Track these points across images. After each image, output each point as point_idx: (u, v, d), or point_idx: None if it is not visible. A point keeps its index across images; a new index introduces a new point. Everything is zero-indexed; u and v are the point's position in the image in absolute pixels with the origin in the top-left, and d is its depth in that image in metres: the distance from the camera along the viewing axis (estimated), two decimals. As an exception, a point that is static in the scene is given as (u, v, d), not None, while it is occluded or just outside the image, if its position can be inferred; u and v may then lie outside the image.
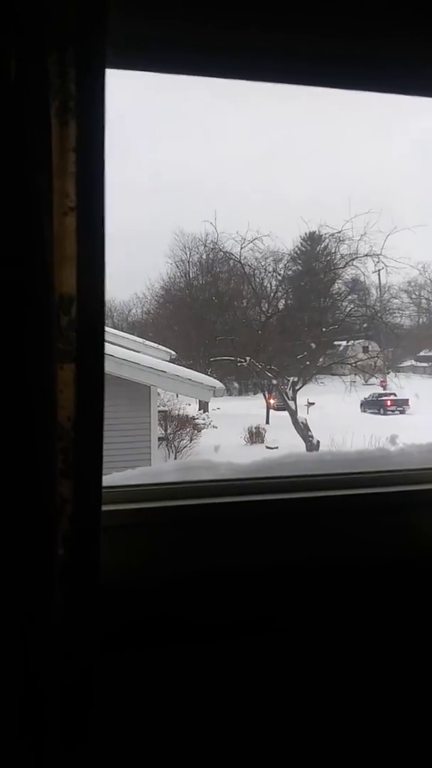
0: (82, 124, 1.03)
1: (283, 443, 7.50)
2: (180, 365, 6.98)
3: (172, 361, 7.28)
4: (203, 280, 8.40)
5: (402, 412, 7.82)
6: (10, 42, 0.97)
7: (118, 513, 1.28)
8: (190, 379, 6.28)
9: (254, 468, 1.50)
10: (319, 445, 7.33)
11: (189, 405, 8.46)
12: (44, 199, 0.99)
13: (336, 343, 8.23)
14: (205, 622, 1.33)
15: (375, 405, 7.98)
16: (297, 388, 7.79)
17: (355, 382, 8.14)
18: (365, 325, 8.15)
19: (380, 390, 8.06)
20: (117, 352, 5.90)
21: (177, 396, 7.93)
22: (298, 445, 7.36)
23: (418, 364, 8.86)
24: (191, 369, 6.84)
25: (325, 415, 7.97)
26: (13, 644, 1.00)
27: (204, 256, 8.04)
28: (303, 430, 7.43)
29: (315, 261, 8.23)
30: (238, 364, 7.88)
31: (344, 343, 8.23)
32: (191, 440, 7.80)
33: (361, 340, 8.22)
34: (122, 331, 7.81)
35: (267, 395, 8.46)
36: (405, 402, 7.76)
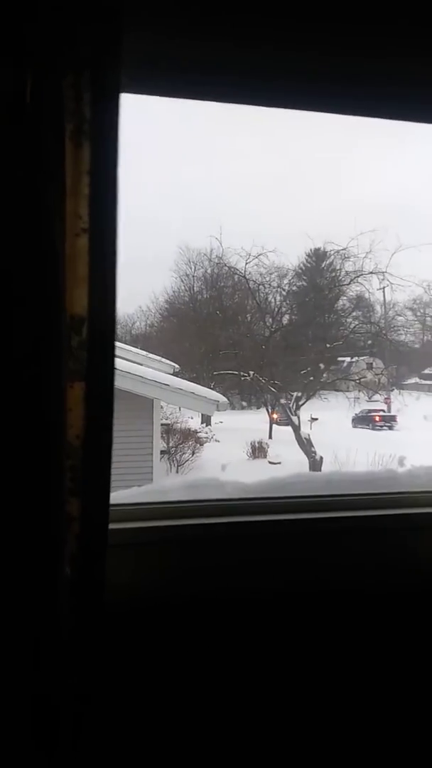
0: (96, 147, 1.04)
1: (285, 458, 7.47)
2: (183, 379, 6.99)
3: (175, 374, 7.29)
4: (207, 294, 8.45)
5: (390, 428, 7.99)
6: (25, 65, 0.99)
7: (124, 531, 1.27)
8: (193, 393, 6.28)
9: (262, 488, 1.50)
10: (322, 461, 7.31)
11: (192, 418, 8.45)
12: (57, 221, 1.00)
13: (340, 359, 8.24)
14: (210, 643, 1.31)
15: (365, 421, 8.12)
16: (300, 403, 7.79)
17: (358, 398, 8.14)
18: (369, 341, 8.17)
19: (374, 406, 8.13)
20: (120, 364, 5.89)
21: (180, 409, 7.93)
22: (301, 460, 7.33)
23: (423, 381, 8.85)
24: (195, 383, 6.85)
25: (324, 431, 7.96)
26: (21, 663, 0.99)
27: (209, 271, 8.10)
28: (306, 445, 7.40)
29: (320, 277, 8.27)
30: (242, 378, 7.89)
31: (348, 359, 8.24)
32: (193, 454, 7.79)
33: (365, 357, 8.22)
34: (126, 343, 7.84)
35: (270, 410, 8.45)
36: (393, 418, 7.93)
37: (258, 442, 8.11)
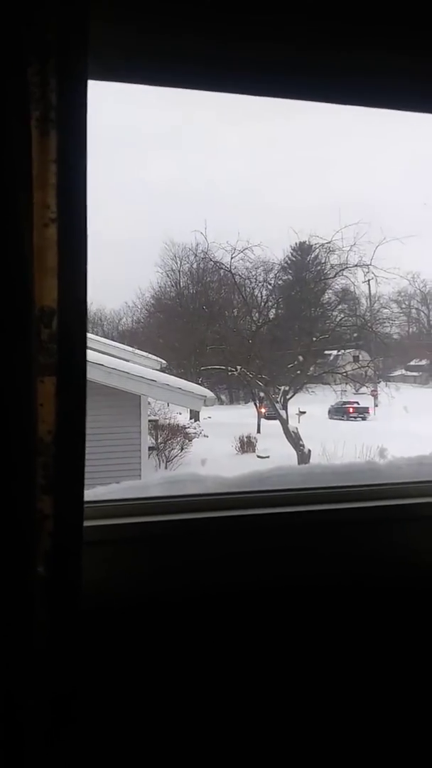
0: (63, 135, 1.01)
1: (274, 452, 7.49)
2: (171, 374, 6.97)
3: (162, 370, 7.26)
4: (194, 289, 8.41)
5: (363, 418, 8.38)
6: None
7: (102, 528, 1.25)
8: (180, 389, 6.26)
9: (242, 481, 1.48)
10: (311, 454, 7.33)
11: (180, 414, 8.44)
12: (24, 211, 0.98)
13: (326, 352, 8.26)
14: (191, 640, 1.30)
15: (339, 412, 8.53)
16: (288, 397, 7.80)
17: (345, 391, 8.17)
18: (355, 334, 8.19)
19: (350, 398, 8.36)
20: (107, 361, 5.88)
21: (168, 405, 7.90)
22: (290, 454, 7.35)
23: (409, 373, 8.90)
24: (182, 378, 6.83)
25: (312, 424, 8.01)
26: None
27: (194, 266, 8.06)
28: (294, 439, 7.42)
29: (305, 271, 8.27)
30: (229, 373, 7.88)
31: (335, 352, 8.26)
32: (182, 449, 7.78)
33: (351, 350, 8.25)
34: (113, 339, 7.79)
35: (258, 404, 8.46)
36: (366, 410, 8.33)
37: (246, 437, 8.12)
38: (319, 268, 7.97)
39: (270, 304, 8.19)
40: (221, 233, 7.13)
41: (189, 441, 8.04)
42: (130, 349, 7.19)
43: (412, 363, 8.90)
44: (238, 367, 7.65)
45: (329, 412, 8.51)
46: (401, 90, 1.53)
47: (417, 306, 8.34)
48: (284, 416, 7.55)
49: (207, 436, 8.41)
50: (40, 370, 1.03)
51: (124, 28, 1.18)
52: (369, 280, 7.36)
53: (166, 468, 7.42)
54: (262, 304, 8.08)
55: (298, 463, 6.72)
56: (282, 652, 1.36)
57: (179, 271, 8.19)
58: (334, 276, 7.68)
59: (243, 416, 8.64)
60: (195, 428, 8.54)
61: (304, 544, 1.38)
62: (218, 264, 7.66)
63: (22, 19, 0.98)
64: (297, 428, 7.58)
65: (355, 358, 8.25)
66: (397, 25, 1.34)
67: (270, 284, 7.98)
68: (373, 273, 7.17)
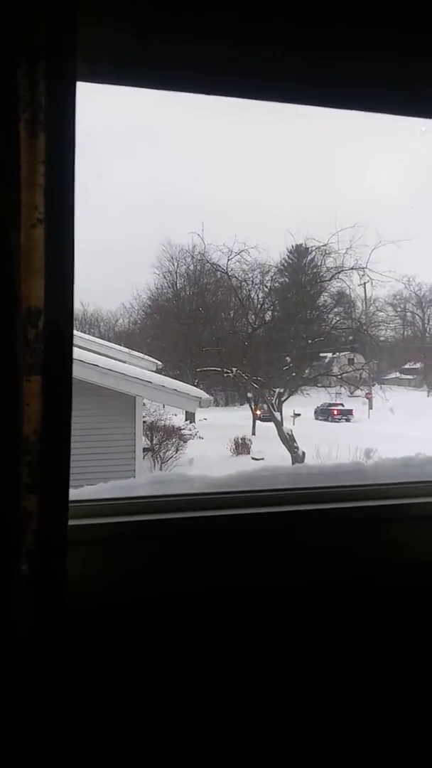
0: (51, 137, 1.02)
1: (269, 454, 7.51)
2: (166, 376, 6.98)
3: (158, 371, 7.28)
4: (190, 291, 8.44)
5: (348, 420, 8.74)
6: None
7: (88, 528, 1.26)
8: (175, 390, 6.28)
9: (229, 481, 1.49)
10: (305, 456, 7.35)
11: (175, 415, 8.46)
12: (12, 211, 0.99)
13: (322, 355, 8.30)
14: (176, 638, 1.31)
15: (324, 413, 8.90)
16: (283, 399, 7.83)
17: (340, 393, 8.21)
18: (351, 337, 8.23)
19: (331, 401, 8.75)
20: (103, 362, 5.89)
21: (164, 406, 7.92)
22: (284, 456, 7.38)
23: (403, 376, 8.94)
24: (178, 379, 6.85)
25: (306, 427, 8.06)
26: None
27: (191, 268, 8.09)
28: (288, 441, 7.44)
29: (301, 273, 8.31)
30: (225, 375, 7.91)
31: (330, 355, 8.30)
32: (177, 451, 7.79)
33: (346, 353, 8.29)
34: (109, 341, 7.81)
35: (253, 406, 8.49)
36: (349, 412, 8.67)
37: (241, 439, 8.15)
38: (315, 270, 8.01)
39: (266, 306, 8.22)
40: (218, 235, 7.16)
41: (184, 442, 8.06)
42: (126, 350, 7.21)
43: (407, 366, 8.94)
44: (234, 369, 7.67)
45: (315, 413, 8.83)
46: (393, 95, 1.54)
47: (412, 309, 8.38)
48: (279, 418, 7.58)
49: (202, 438, 8.44)
50: (26, 369, 1.03)
51: (114, 30, 1.19)
52: (365, 283, 7.40)
53: (161, 469, 7.43)
54: (259, 306, 8.11)
55: (292, 465, 6.74)
56: (268, 648, 1.37)
57: (176, 273, 8.22)
58: (330, 279, 7.73)
59: (238, 418, 8.67)
60: (190, 430, 8.56)
61: (291, 543, 1.39)
62: (215, 266, 7.69)
63: (12, 22, 0.99)
64: (291, 430, 7.61)
65: (350, 361, 8.29)
66: (388, 31, 1.36)
67: (266, 286, 8.02)
68: (368, 276, 7.22)
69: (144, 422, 6.89)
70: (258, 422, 8.38)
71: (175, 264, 8.11)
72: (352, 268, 7.25)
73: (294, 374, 7.78)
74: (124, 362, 6.60)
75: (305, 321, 8.12)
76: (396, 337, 8.63)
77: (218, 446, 7.88)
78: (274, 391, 7.81)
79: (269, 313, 8.23)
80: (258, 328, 7.95)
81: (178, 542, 1.33)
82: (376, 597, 1.43)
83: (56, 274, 1.04)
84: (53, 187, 1.03)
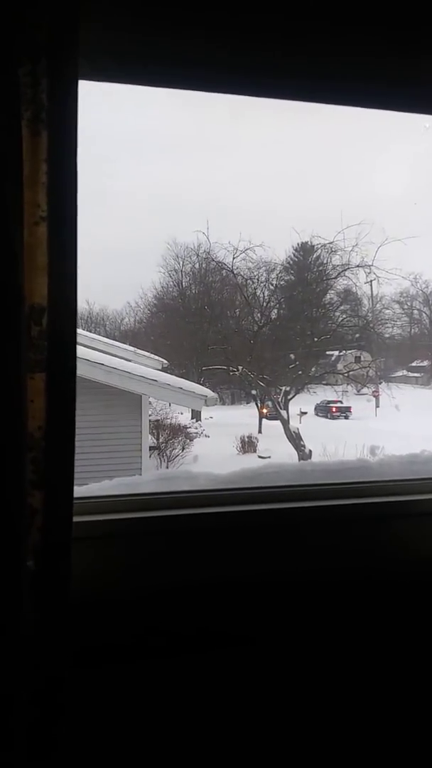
0: (53, 135, 1.03)
1: (275, 452, 7.50)
2: (172, 374, 6.98)
3: (164, 370, 7.28)
4: (196, 289, 8.43)
5: (346, 417, 8.83)
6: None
7: (93, 524, 1.26)
8: (181, 388, 6.27)
9: (234, 478, 1.49)
10: (311, 454, 7.33)
11: (181, 414, 8.46)
12: (15, 209, 0.99)
13: (328, 352, 8.27)
14: (182, 635, 1.31)
15: (324, 410, 9.02)
16: (289, 397, 7.81)
17: (347, 391, 8.18)
18: (357, 335, 8.20)
19: (339, 398, 8.73)
20: (108, 360, 5.90)
21: (170, 405, 7.92)
22: (291, 454, 7.36)
23: (410, 374, 8.90)
24: (183, 378, 6.84)
25: (313, 425, 8.04)
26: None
27: (197, 266, 8.08)
28: (295, 439, 7.42)
29: (307, 271, 8.27)
30: (231, 373, 7.90)
31: (336, 352, 8.27)
32: (183, 449, 7.80)
33: (353, 350, 8.25)
34: (114, 339, 7.82)
35: (259, 404, 8.47)
36: (348, 409, 8.77)
37: (248, 437, 8.13)
38: (321, 268, 7.98)
39: (272, 304, 8.20)
40: (223, 234, 7.15)
41: (190, 441, 8.06)
42: (131, 348, 7.22)
43: (414, 364, 8.90)
44: (240, 367, 7.66)
45: (315, 410, 8.89)
46: (398, 91, 1.54)
47: (419, 307, 8.34)
48: (285, 416, 7.56)
49: (208, 436, 8.43)
50: (30, 366, 1.04)
51: (115, 28, 1.19)
52: (371, 281, 7.36)
53: (167, 467, 7.44)
54: (264, 304, 8.09)
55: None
56: (272, 645, 1.37)
57: (181, 271, 8.22)
58: (336, 276, 7.69)
59: (244, 416, 8.65)
60: (196, 428, 8.56)
61: (295, 539, 1.39)
62: (220, 264, 7.67)
63: (14, 20, 0.99)
64: (298, 428, 7.59)
65: (357, 359, 8.26)
66: (391, 27, 1.35)
67: (272, 284, 7.99)
68: (375, 274, 7.18)
69: (150, 421, 6.90)
70: (264, 420, 8.36)
71: (181, 262, 8.10)
72: (358, 266, 7.22)
73: (300, 372, 7.76)
74: (130, 361, 6.61)
75: (311, 319, 8.09)
76: (403, 335, 8.59)
77: (224, 444, 7.87)
78: (281, 389, 7.79)
79: (275, 311, 8.21)
80: (264, 326, 7.92)
81: (183, 539, 1.33)
82: (381, 593, 1.43)
83: (59, 271, 1.04)
84: (56, 185, 1.04)
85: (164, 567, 1.31)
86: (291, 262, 8.18)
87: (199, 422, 8.76)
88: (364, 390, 8.35)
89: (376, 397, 8.24)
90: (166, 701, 1.31)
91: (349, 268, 7.38)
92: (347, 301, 8.07)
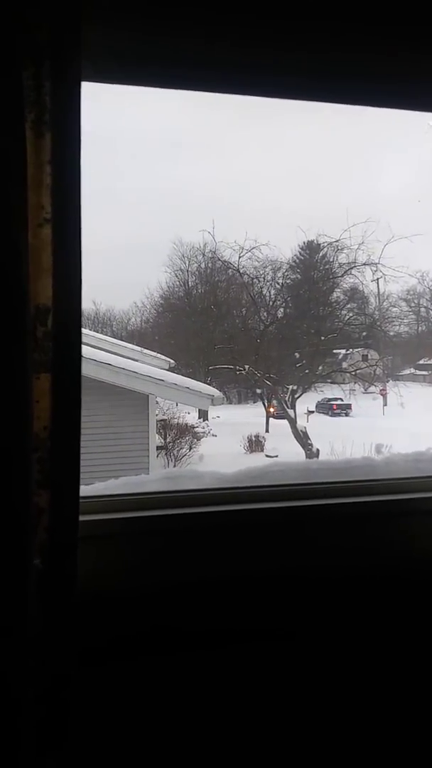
0: (57, 137, 1.03)
1: (282, 451, 7.50)
2: (179, 374, 7.00)
3: (171, 369, 7.30)
4: (202, 289, 8.45)
5: (347, 414, 9.05)
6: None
7: (99, 523, 1.27)
8: (188, 388, 6.29)
9: (239, 477, 1.50)
10: (319, 453, 7.33)
11: (188, 413, 8.47)
12: (19, 212, 1.00)
13: (335, 351, 8.26)
14: (187, 632, 1.32)
15: (325, 408, 9.27)
16: (296, 396, 7.80)
17: (354, 390, 8.16)
18: (364, 333, 8.18)
19: (331, 396, 8.87)
20: (115, 360, 5.92)
21: (176, 404, 7.94)
22: (298, 453, 7.36)
23: (418, 372, 8.87)
24: (190, 377, 6.86)
25: (320, 424, 8.03)
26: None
27: (202, 266, 8.09)
28: (302, 438, 7.42)
29: (314, 270, 8.27)
30: (237, 372, 7.91)
31: (343, 351, 8.26)
32: (190, 449, 7.81)
33: (360, 349, 8.24)
34: (121, 339, 7.84)
35: (266, 403, 8.47)
36: (348, 406, 8.96)
37: (255, 436, 8.14)
38: (327, 267, 7.97)
39: (278, 303, 8.20)
40: (229, 233, 7.15)
41: (197, 440, 8.07)
42: (138, 348, 7.24)
43: (421, 362, 8.86)
44: (246, 367, 7.67)
45: (316, 407, 9.09)
46: (401, 89, 1.53)
47: (426, 304, 8.30)
48: (292, 415, 7.56)
49: (215, 436, 8.45)
50: (35, 367, 1.05)
51: (117, 30, 1.20)
52: (377, 279, 7.35)
53: (174, 467, 7.46)
54: (271, 303, 8.09)
55: (306, 462, 6.71)
56: (276, 643, 1.37)
57: (187, 271, 8.23)
58: (343, 275, 7.68)
59: (251, 415, 8.66)
60: (203, 427, 8.58)
61: (300, 538, 1.40)
62: (226, 263, 7.68)
63: (17, 22, 1.00)
64: (305, 427, 7.58)
65: (364, 357, 8.24)
66: (394, 26, 1.35)
67: (278, 283, 8.00)
68: (381, 271, 7.16)
69: (157, 420, 6.91)
70: (271, 419, 8.37)
71: (187, 262, 8.12)
72: (364, 264, 7.21)
73: (307, 371, 7.76)
74: (137, 361, 6.63)
75: (318, 317, 8.08)
76: (410, 333, 8.57)
77: (232, 444, 7.88)
78: (288, 388, 7.79)
79: (281, 309, 8.21)
80: (270, 325, 7.93)
81: (189, 538, 1.33)
82: (387, 591, 1.43)
83: (64, 272, 1.05)
84: (60, 186, 1.04)
85: (170, 565, 1.31)
86: (297, 260, 8.18)
87: (206, 422, 8.77)
88: (372, 388, 8.33)
89: (384, 396, 8.21)
90: (171, 698, 1.32)
91: (355, 266, 7.37)
92: (354, 300, 8.06)
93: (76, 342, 1.07)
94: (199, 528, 1.35)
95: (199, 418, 8.74)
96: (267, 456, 7.66)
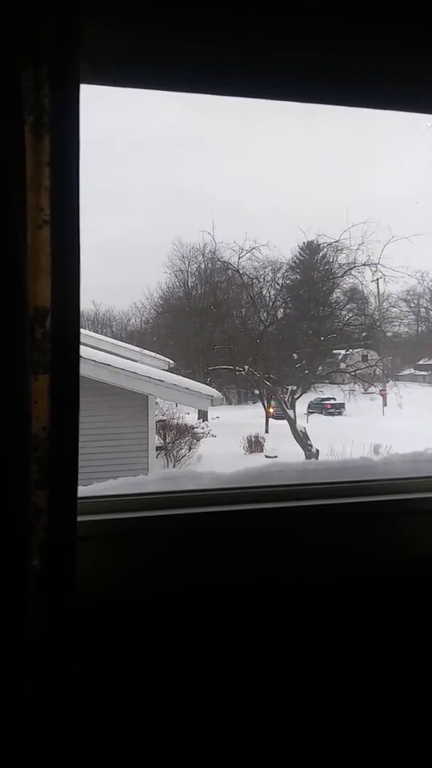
0: (56, 139, 1.04)
1: (282, 452, 7.50)
2: (179, 374, 7.01)
3: (170, 370, 7.31)
4: (202, 289, 8.45)
5: (340, 413, 9.15)
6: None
7: (98, 523, 1.27)
8: (187, 388, 6.29)
9: (238, 478, 1.50)
10: (319, 453, 7.33)
11: (188, 414, 8.48)
12: (18, 213, 1.00)
13: (335, 351, 8.26)
14: (184, 633, 1.32)
15: (318, 407, 9.36)
16: (296, 396, 7.81)
17: (354, 390, 8.17)
18: (364, 333, 8.19)
19: (324, 396, 8.97)
20: (114, 361, 5.93)
21: (176, 405, 7.95)
22: (298, 453, 7.36)
23: (418, 372, 8.88)
24: (190, 378, 6.86)
25: (320, 424, 8.03)
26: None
27: (202, 266, 8.10)
28: (302, 438, 7.42)
29: (313, 270, 8.27)
30: (237, 372, 7.92)
31: (343, 351, 8.26)
32: (190, 449, 7.82)
33: (360, 349, 8.24)
34: (121, 340, 7.85)
35: (266, 404, 8.48)
36: (342, 405, 9.06)
37: (254, 437, 8.15)
38: (327, 267, 7.98)
39: (278, 303, 8.20)
40: (229, 233, 7.16)
41: (197, 441, 8.08)
42: (137, 349, 7.24)
43: (421, 362, 8.87)
44: (246, 367, 7.68)
45: (308, 407, 9.13)
46: (400, 91, 1.54)
47: (426, 305, 8.31)
48: (292, 416, 7.56)
49: (215, 436, 8.45)
50: (34, 368, 1.05)
51: (116, 32, 1.20)
52: (377, 279, 7.35)
53: (174, 468, 7.46)
54: (270, 303, 8.10)
55: (306, 463, 6.71)
56: (275, 643, 1.38)
57: (187, 272, 8.24)
58: (342, 275, 7.69)
59: (251, 416, 8.66)
60: (203, 428, 8.58)
61: (299, 538, 1.40)
62: (226, 264, 7.69)
63: (16, 25, 1.01)
64: (305, 428, 7.59)
65: (364, 358, 8.24)
66: (390, 26, 1.35)
67: (278, 284, 8.00)
68: (381, 272, 7.17)
69: (156, 421, 6.92)
70: (271, 420, 8.37)
71: (186, 263, 8.13)
72: (364, 264, 7.22)
73: (306, 371, 7.76)
74: (136, 361, 6.63)
75: (317, 318, 8.09)
76: (410, 333, 8.57)
77: (231, 444, 7.89)
78: (287, 389, 7.79)
79: (281, 310, 8.22)
80: (270, 325, 7.93)
81: (187, 538, 1.34)
82: (384, 591, 1.43)
83: (62, 273, 1.05)
84: (58, 188, 1.04)
85: (168, 566, 1.32)
86: (297, 261, 8.19)
87: (205, 422, 8.78)
88: (371, 389, 8.34)
89: (384, 396, 8.22)
90: (171, 697, 1.32)
91: (355, 267, 7.38)
92: (354, 300, 8.07)
93: (75, 343, 1.08)
94: (198, 528, 1.36)
95: (199, 418, 8.75)
96: (266, 456, 7.66)
